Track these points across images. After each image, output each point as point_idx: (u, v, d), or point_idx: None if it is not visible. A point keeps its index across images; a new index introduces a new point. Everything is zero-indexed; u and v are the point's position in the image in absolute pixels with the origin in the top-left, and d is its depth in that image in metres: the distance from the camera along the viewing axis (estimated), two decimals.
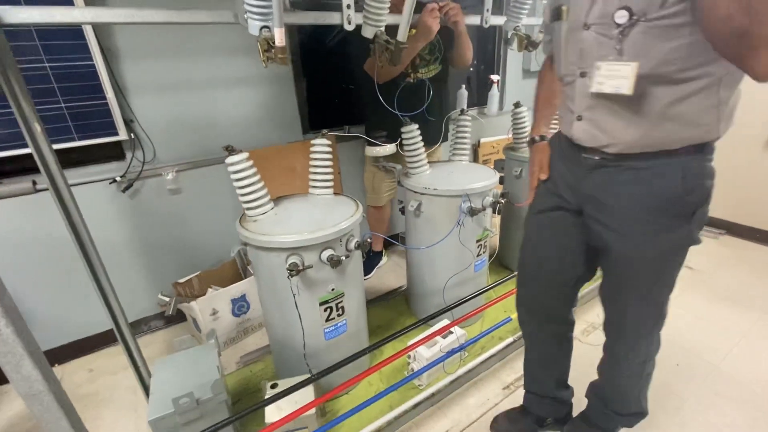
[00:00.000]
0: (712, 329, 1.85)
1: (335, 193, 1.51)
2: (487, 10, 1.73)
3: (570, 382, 1.38)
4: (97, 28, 1.64)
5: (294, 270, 1.16)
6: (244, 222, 1.30)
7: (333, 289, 1.31)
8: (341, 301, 1.35)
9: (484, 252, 1.75)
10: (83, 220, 1.19)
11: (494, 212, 1.69)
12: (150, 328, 2.11)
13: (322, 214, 1.32)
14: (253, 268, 1.35)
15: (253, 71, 2.07)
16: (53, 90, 1.59)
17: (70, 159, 1.75)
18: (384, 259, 2.57)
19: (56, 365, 1.88)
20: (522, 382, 1.56)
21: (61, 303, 1.82)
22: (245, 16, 1.11)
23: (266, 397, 1.21)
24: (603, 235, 0.94)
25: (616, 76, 0.77)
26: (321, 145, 1.43)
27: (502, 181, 2.22)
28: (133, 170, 1.84)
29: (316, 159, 1.44)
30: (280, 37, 1.00)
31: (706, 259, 2.42)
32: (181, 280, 1.94)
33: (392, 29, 1.34)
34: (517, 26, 1.70)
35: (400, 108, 1.69)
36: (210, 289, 1.96)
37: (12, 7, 0.94)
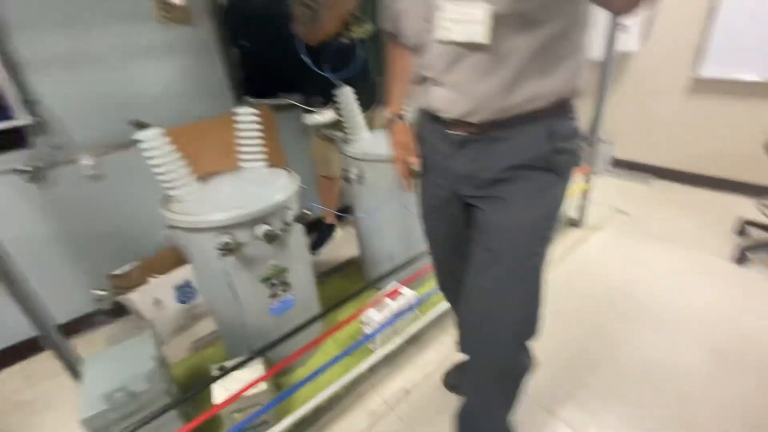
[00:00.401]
0: (648, 268, 2.00)
1: (270, 165, 1.44)
2: None
3: None
4: None
5: (226, 250, 1.10)
6: (168, 203, 1.21)
7: (274, 265, 1.27)
8: (284, 277, 1.32)
9: None
10: None
11: None
12: (94, 325, 1.98)
13: (254, 188, 1.26)
14: (185, 252, 1.27)
15: (170, 38, 1.87)
16: None
17: None
18: (338, 231, 2.54)
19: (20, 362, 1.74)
20: None
21: None
22: None
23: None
24: (484, 210, 0.87)
25: (467, 20, 0.68)
26: (246, 114, 1.35)
27: None
28: (42, 158, 1.65)
29: (242, 130, 1.36)
30: None
31: (638, 204, 2.58)
32: (118, 272, 1.82)
33: None
34: None
35: (335, 71, 1.61)
36: (151, 279, 1.85)
37: None
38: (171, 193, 1.22)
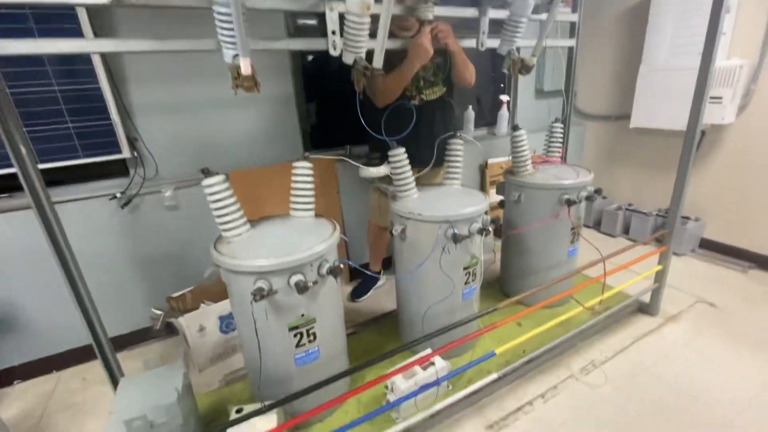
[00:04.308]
0: (730, 377, 1.67)
1: (317, 215, 1.50)
2: (483, 33, 1.71)
3: (563, 425, 1.25)
4: (106, 55, 1.74)
5: (258, 295, 1.15)
6: (219, 243, 1.31)
7: (303, 315, 1.29)
8: (312, 327, 1.32)
9: (473, 280, 1.68)
10: (65, 237, 1.22)
11: (486, 236, 1.63)
12: (146, 340, 2.15)
13: (296, 238, 1.31)
14: (228, 290, 1.35)
15: (253, 93, 2.13)
16: (62, 111, 1.69)
17: (76, 175, 1.85)
18: (382, 279, 2.53)
19: (54, 371, 1.95)
20: (508, 421, 1.48)
21: (62, 311, 1.89)
22: (221, 44, 1.14)
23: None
24: None
25: None
26: (302, 167, 1.44)
27: (503, 204, 2.15)
28: (134, 187, 1.91)
29: (296, 182, 1.44)
30: (245, 67, 1.02)
31: (731, 296, 2.21)
32: (175, 295, 1.97)
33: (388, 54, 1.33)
34: (511, 49, 1.65)
35: (392, 131, 1.67)
36: (202, 305, 1.98)
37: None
38: (223, 234, 1.33)
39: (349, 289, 2.48)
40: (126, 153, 1.86)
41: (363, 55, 1.32)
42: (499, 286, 2.31)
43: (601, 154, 3.32)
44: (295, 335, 1.30)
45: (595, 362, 1.78)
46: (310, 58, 2.31)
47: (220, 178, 1.28)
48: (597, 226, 3.19)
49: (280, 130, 2.25)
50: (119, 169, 1.93)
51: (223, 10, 1.02)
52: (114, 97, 1.76)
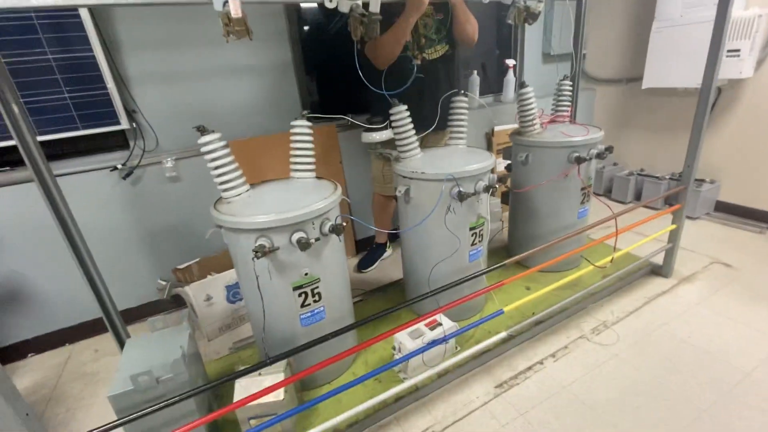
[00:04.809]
0: (746, 332, 1.62)
1: (318, 177, 1.47)
2: None
3: (573, 383, 1.24)
4: (98, 19, 1.70)
5: (260, 252, 1.13)
6: (219, 204, 1.29)
7: (306, 274, 1.27)
8: (317, 287, 1.31)
9: (479, 241, 1.64)
10: (69, 211, 1.19)
11: (491, 195, 1.58)
12: (154, 313, 2.17)
13: (297, 196, 1.28)
14: (230, 252, 1.33)
15: (253, 60, 2.08)
16: (57, 81, 1.66)
17: (77, 148, 1.84)
18: (388, 251, 2.50)
19: (66, 344, 1.97)
20: (518, 380, 1.46)
21: (73, 285, 1.90)
22: None
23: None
24: None
25: None
26: (300, 126, 1.40)
27: (510, 168, 2.10)
28: (134, 158, 1.89)
29: (296, 141, 1.41)
30: (235, 9, 0.97)
31: (747, 256, 2.15)
32: (181, 266, 1.97)
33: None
34: None
35: (407, 91, 1.61)
36: (209, 276, 1.98)
37: None
38: (223, 195, 1.30)
39: (355, 261, 2.46)
40: (125, 124, 1.83)
41: (359, 3, 1.25)
42: (507, 254, 2.27)
43: (612, 119, 3.22)
44: (300, 294, 1.28)
45: (606, 323, 1.75)
46: (306, 28, 2.24)
47: (216, 135, 1.25)
48: (608, 193, 3.12)
49: (279, 98, 2.20)
50: (119, 142, 1.91)
51: None
52: (109, 65, 1.73)
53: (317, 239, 1.21)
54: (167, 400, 0.95)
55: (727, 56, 2.27)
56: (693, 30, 2.36)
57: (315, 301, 1.32)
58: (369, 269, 2.38)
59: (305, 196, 1.28)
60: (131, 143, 1.91)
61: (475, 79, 2.66)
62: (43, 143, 1.69)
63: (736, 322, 1.68)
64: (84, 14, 1.63)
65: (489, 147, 2.90)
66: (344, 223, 1.27)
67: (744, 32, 2.21)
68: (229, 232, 1.23)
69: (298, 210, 1.17)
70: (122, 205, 1.94)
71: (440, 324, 1.48)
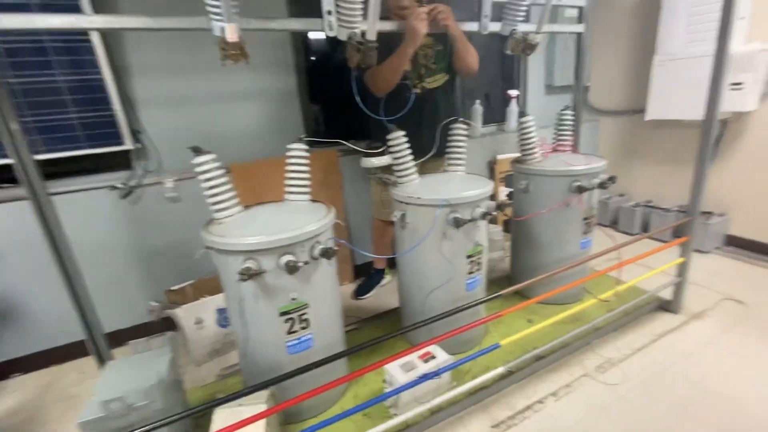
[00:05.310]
0: (762, 375, 1.52)
1: (313, 200, 1.46)
2: (485, 16, 1.66)
3: (577, 423, 1.18)
4: (110, 45, 1.76)
5: (246, 274, 1.10)
6: (210, 225, 1.27)
7: (294, 299, 1.23)
8: (305, 313, 1.26)
9: (477, 270, 1.59)
10: (60, 229, 1.20)
11: (491, 222, 1.55)
12: (148, 335, 2.12)
13: (288, 218, 1.26)
14: (219, 274, 1.31)
15: (258, 86, 2.13)
16: (65, 101, 1.71)
17: (82, 166, 1.86)
18: (387, 278, 2.45)
19: (53, 365, 1.92)
20: (516, 420, 1.37)
21: (63, 304, 1.87)
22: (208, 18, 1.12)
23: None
24: None
25: None
26: (296, 149, 1.40)
27: (511, 196, 2.07)
28: (136, 178, 1.91)
29: (291, 164, 1.40)
30: (230, 33, 0.99)
31: (760, 293, 2.05)
32: (175, 288, 1.95)
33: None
34: (514, 29, 1.60)
35: (406, 119, 1.64)
36: (202, 298, 1.95)
37: None
38: (215, 215, 1.29)
39: (353, 287, 2.41)
40: (129, 144, 1.86)
41: (357, 32, 1.28)
42: (509, 284, 2.20)
43: (617, 150, 3.20)
44: (287, 320, 1.24)
45: (612, 360, 1.65)
46: (312, 56, 2.31)
47: (210, 156, 1.25)
48: (614, 224, 3.06)
49: (283, 124, 2.24)
50: (123, 162, 1.93)
51: None
52: (117, 87, 1.78)
53: (306, 263, 1.18)
54: (137, 429, 0.90)
55: (731, 89, 2.26)
56: (694, 64, 2.37)
57: (303, 328, 1.28)
58: (366, 296, 2.32)
59: (296, 218, 1.26)
60: (135, 163, 1.93)
61: (478, 108, 2.68)
62: (48, 161, 1.75)
63: (751, 364, 1.58)
64: (95, 39, 1.69)
65: (492, 175, 2.88)
66: (336, 247, 1.24)
67: (746, 66, 2.21)
68: (218, 254, 1.21)
69: (288, 232, 1.15)
70: (121, 224, 1.94)
71: (434, 357, 1.41)
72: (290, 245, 1.16)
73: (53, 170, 1.78)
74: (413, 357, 1.41)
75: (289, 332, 1.26)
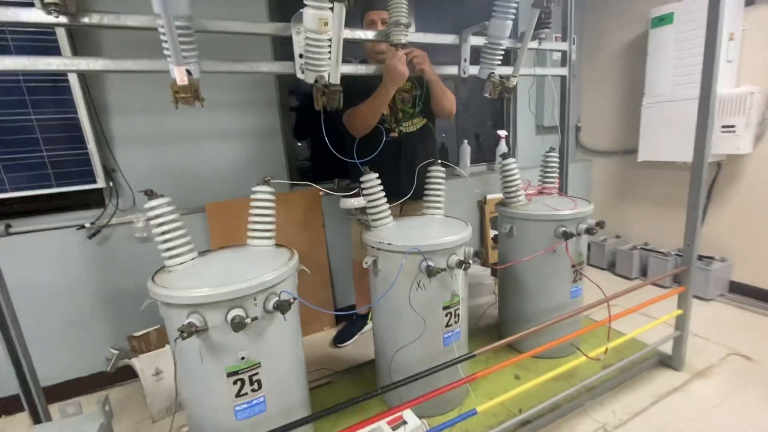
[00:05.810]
0: None
1: (278, 245, 1.37)
2: (465, 60, 1.65)
3: None
4: (89, 84, 1.75)
5: (186, 332, 0.99)
6: (159, 273, 1.18)
7: (243, 358, 1.11)
8: (256, 373, 1.14)
9: (456, 322, 1.47)
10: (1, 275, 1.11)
11: (466, 270, 1.44)
12: (109, 384, 1.98)
13: (243, 267, 1.17)
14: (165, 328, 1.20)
15: (240, 123, 2.11)
16: (36, 140, 1.68)
17: (51, 205, 1.81)
18: (370, 323, 2.31)
19: (3, 416, 1.78)
20: None
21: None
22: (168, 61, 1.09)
23: None
24: None
25: None
26: (261, 192, 1.33)
27: (496, 240, 1.97)
28: (106, 217, 1.85)
29: (254, 207, 1.33)
30: (179, 76, 0.95)
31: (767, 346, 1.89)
32: (138, 333, 1.83)
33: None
34: (492, 72, 1.57)
35: (383, 162, 1.60)
36: (167, 345, 1.82)
37: None
38: (166, 263, 1.20)
39: (333, 333, 2.27)
40: (101, 183, 1.81)
41: (325, 75, 1.25)
42: (498, 333, 2.06)
43: (611, 190, 3.13)
44: (235, 382, 1.12)
45: (607, 426, 1.49)
46: (298, 96, 2.32)
47: (164, 200, 1.19)
48: (611, 267, 2.92)
49: (265, 163, 2.20)
50: (96, 200, 1.88)
51: (160, 21, 0.98)
52: (93, 126, 1.75)
53: (254, 318, 1.07)
54: None
55: (723, 132, 2.21)
56: (682, 106, 2.34)
57: (253, 390, 1.15)
58: (346, 344, 2.18)
59: (252, 266, 1.17)
60: (107, 201, 1.87)
61: (466, 148, 2.65)
62: (14, 199, 1.71)
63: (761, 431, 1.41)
64: (72, 79, 1.69)
65: (482, 215, 2.80)
66: (291, 300, 1.14)
67: (737, 109, 2.16)
68: (162, 306, 1.11)
69: (236, 284, 1.05)
70: (86, 265, 1.86)
71: (405, 422, 1.27)
72: (240, 298, 1.07)
73: (19, 209, 1.73)
74: (381, 422, 1.26)
75: (238, 395, 1.13)
